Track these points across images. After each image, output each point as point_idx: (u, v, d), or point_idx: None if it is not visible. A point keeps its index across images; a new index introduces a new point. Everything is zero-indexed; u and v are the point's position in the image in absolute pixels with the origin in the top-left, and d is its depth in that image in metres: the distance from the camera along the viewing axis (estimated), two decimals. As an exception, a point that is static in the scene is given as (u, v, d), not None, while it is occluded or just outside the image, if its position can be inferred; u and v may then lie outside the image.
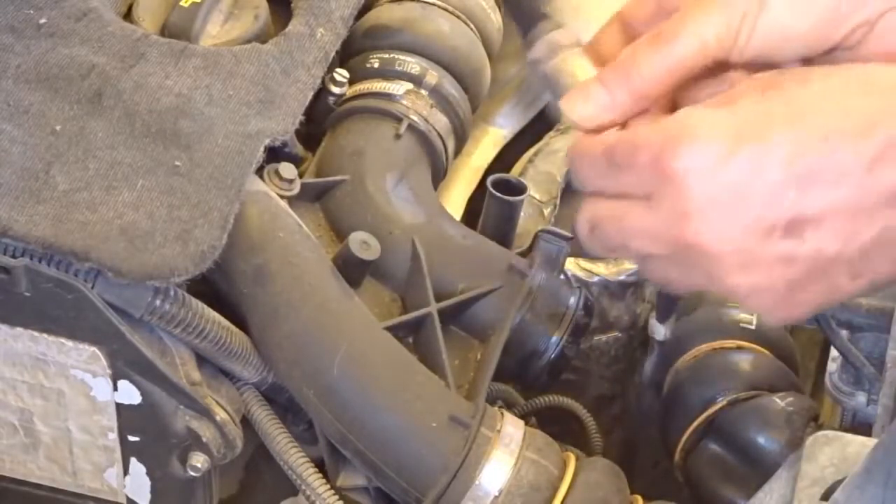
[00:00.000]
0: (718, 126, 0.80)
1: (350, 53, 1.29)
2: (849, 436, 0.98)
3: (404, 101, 1.24)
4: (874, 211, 0.78)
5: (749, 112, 0.80)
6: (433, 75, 1.26)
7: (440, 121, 1.26)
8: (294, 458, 1.08)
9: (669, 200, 0.82)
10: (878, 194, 0.78)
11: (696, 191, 0.80)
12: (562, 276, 1.19)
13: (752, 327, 1.25)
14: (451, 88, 1.28)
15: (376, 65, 1.26)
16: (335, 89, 1.24)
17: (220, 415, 1.07)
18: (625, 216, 0.85)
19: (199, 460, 1.07)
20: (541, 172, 1.42)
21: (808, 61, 0.89)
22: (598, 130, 0.90)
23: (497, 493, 1.01)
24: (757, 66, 0.90)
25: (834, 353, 1.16)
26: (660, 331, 1.23)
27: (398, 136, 1.22)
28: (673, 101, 0.96)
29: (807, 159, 0.78)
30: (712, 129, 0.80)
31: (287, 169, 1.14)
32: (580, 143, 0.89)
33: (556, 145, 1.46)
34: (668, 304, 1.23)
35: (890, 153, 0.77)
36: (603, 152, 0.86)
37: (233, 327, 1.07)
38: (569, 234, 1.14)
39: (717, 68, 0.91)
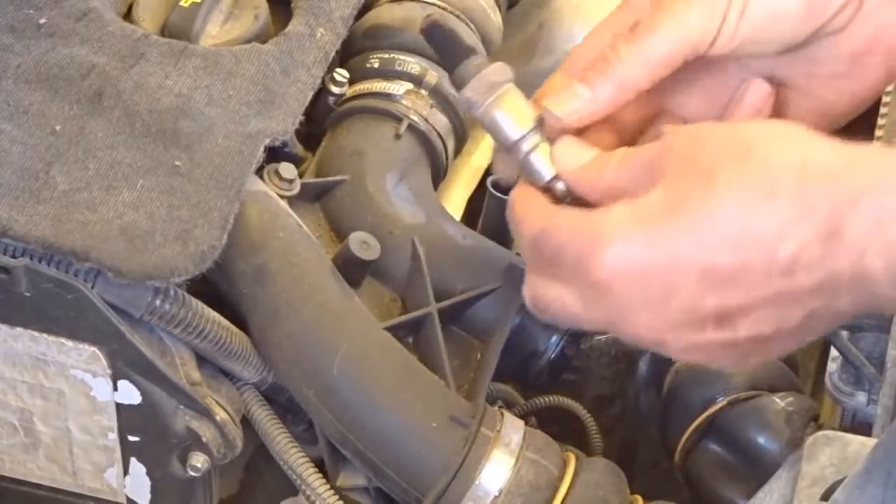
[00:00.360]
0: (633, 237, 0.81)
1: (350, 53, 1.29)
2: (849, 436, 0.98)
3: (404, 101, 1.24)
4: (797, 301, 0.79)
5: (659, 220, 0.80)
6: (433, 75, 1.26)
7: (440, 121, 1.26)
8: (294, 458, 1.08)
9: (600, 303, 0.83)
10: (797, 292, 0.78)
11: (622, 296, 0.81)
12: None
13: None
14: (451, 88, 1.28)
15: (376, 65, 1.26)
16: (335, 89, 1.24)
17: (220, 415, 1.07)
18: (564, 303, 0.86)
19: (199, 460, 1.07)
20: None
21: (789, 52, 0.89)
22: (580, 131, 0.90)
23: (497, 493, 1.01)
24: (742, 56, 0.90)
25: (834, 353, 1.16)
26: None
27: (398, 136, 1.22)
28: (659, 104, 0.96)
29: (719, 271, 0.79)
30: (627, 239, 0.81)
31: (287, 169, 1.14)
32: (517, 215, 0.89)
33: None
34: None
35: (803, 258, 0.77)
36: (534, 240, 0.86)
37: (233, 327, 1.07)
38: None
39: (705, 62, 0.91)
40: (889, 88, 1.25)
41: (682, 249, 0.79)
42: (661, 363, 1.28)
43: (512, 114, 0.91)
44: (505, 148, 0.92)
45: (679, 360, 0.86)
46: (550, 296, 0.86)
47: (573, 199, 0.89)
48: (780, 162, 0.78)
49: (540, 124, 0.91)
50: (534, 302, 0.89)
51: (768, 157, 0.79)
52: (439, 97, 1.26)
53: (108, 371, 1.05)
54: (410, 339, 1.12)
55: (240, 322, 1.08)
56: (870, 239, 0.75)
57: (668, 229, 0.80)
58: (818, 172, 0.77)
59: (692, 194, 0.79)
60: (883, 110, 1.29)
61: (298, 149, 1.21)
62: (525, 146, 0.91)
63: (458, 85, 0.93)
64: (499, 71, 0.92)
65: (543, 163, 0.91)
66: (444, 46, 0.94)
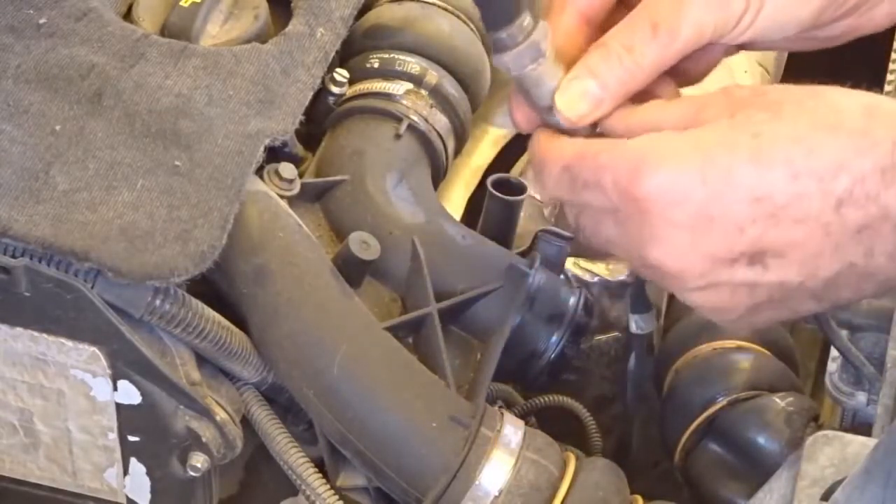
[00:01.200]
0: (685, 155, 0.80)
1: (350, 53, 1.29)
2: (849, 436, 0.98)
3: (404, 101, 1.24)
4: (838, 247, 0.79)
5: (717, 143, 0.80)
6: (433, 75, 1.26)
7: (440, 121, 1.26)
8: (294, 458, 1.08)
9: (634, 222, 0.82)
10: (842, 232, 0.78)
11: (660, 217, 0.81)
12: (562, 277, 1.19)
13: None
14: (451, 88, 1.28)
15: (376, 65, 1.26)
16: (335, 89, 1.24)
17: (220, 415, 1.07)
18: (600, 223, 0.85)
19: (199, 460, 1.07)
20: (541, 172, 1.42)
21: (800, 33, 0.89)
22: (571, 133, 0.90)
23: (497, 493, 1.01)
24: (750, 46, 0.89)
25: (834, 353, 1.16)
26: (634, 323, 1.23)
27: (398, 136, 1.22)
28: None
29: (773, 197, 0.78)
30: (679, 157, 0.80)
31: (287, 169, 1.14)
32: (541, 155, 0.89)
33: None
34: (639, 296, 1.22)
35: (856, 193, 0.77)
36: (565, 168, 0.86)
37: (233, 327, 1.07)
38: (569, 235, 1.14)
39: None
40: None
41: (738, 171, 0.79)
42: (661, 363, 1.28)
43: (550, 80, 0.90)
44: (542, 107, 0.91)
45: (688, 300, 0.84)
46: (590, 218, 0.86)
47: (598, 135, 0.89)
48: (848, 102, 0.80)
49: None
50: (575, 226, 0.88)
51: (836, 98, 0.80)
52: (439, 97, 1.26)
53: (108, 371, 1.05)
54: (410, 339, 1.12)
55: (240, 322, 1.08)
56: None
57: (726, 150, 0.79)
58: (883, 114, 0.78)
59: (756, 119, 0.80)
60: (890, 77, 1.30)
61: (298, 149, 1.21)
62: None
63: (500, 49, 0.90)
64: (541, 31, 0.89)
65: None
66: (488, 6, 0.89)
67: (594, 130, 0.90)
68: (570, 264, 1.28)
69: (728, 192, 0.79)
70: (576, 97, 0.89)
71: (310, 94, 1.18)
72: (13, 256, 1.01)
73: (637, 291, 1.23)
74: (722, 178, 0.79)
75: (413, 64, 1.26)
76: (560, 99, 0.90)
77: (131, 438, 1.09)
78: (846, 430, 1.04)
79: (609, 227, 0.85)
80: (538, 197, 0.92)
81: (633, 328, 1.23)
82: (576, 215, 0.89)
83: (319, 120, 1.24)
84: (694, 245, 0.81)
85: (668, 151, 0.81)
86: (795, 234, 0.79)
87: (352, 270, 1.10)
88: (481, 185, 1.42)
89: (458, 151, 1.33)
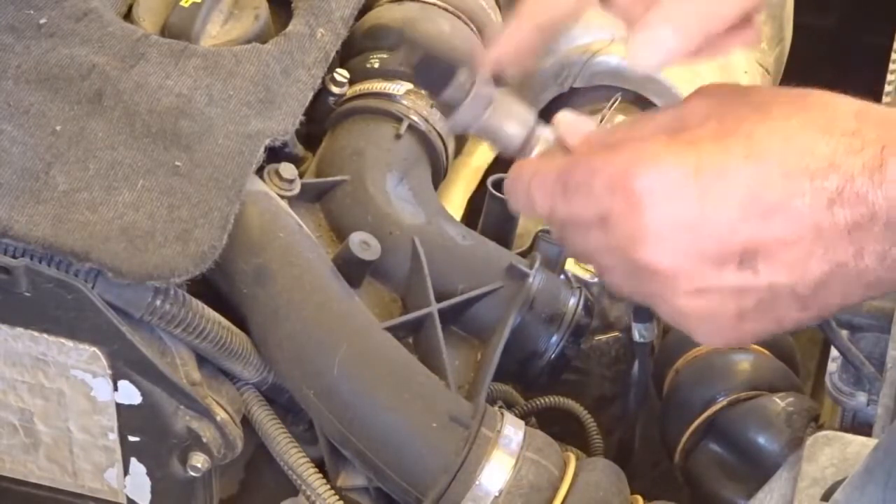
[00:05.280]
0: (679, 155, 0.80)
1: (350, 53, 1.29)
2: (849, 436, 0.98)
3: (404, 101, 1.24)
4: (829, 246, 0.79)
5: (710, 145, 0.80)
6: (433, 75, 1.26)
7: (440, 121, 1.26)
8: (294, 458, 1.08)
9: (625, 221, 0.82)
10: (833, 231, 0.78)
11: (652, 214, 0.81)
12: (562, 277, 1.19)
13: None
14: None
15: (376, 65, 1.26)
16: (335, 89, 1.24)
17: (221, 415, 1.07)
18: (588, 233, 0.85)
19: (199, 460, 1.07)
20: (541, 172, 1.42)
21: None
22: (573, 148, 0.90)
23: (497, 494, 1.01)
24: None
25: (834, 353, 1.16)
26: (637, 332, 1.23)
27: (398, 136, 1.22)
28: None
29: (766, 196, 0.79)
30: (673, 157, 0.80)
31: (287, 169, 1.14)
32: (532, 169, 0.88)
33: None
34: (642, 305, 1.22)
35: (846, 192, 0.77)
36: (559, 175, 0.86)
37: (233, 327, 1.07)
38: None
39: None
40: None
41: (732, 169, 0.79)
42: (661, 363, 1.28)
43: (510, 120, 0.91)
44: (512, 152, 0.92)
45: (677, 308, 0.83)
46: (576, 228, 0.86)
47: None
48: (839, 103, 0.80)
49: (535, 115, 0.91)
50: (559, 235, 0.88)
51: (826, 99, 0.80)
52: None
53: (109, 371, 1.05)
54: (410, 339, 1.12)
55: (240, 322, 1.08)
56: None
57: (720, 148, 0.79)
58: (874, 117, 0.79)
59: (748, 120, 0.80)
60: (890, 77, 1.30)
61: (298, 149, 1.21)
62: (533, 141, 0.91)
63: (448, 111, 0.90)
64: (483, 81, 0.90)
65: (554, 148, 0.90)
66: (430, 69, 0.90)
67: None
68: (570, 264, 1.28)
69: (722, 189, 0.79)
70: (644, 45, 0.87)
71: (310, 95, 1.18)
72: (14, 257, 1.01)
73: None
74: (716, 175, 0.79)
75: (413, 64, 1.26)
76: (630, 48, 0.88)
77: (132, 438, 1.09)
78: (846, 431, 1.04)
79: (597, 237, 0.85)
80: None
81: (637, 337, 1.23)
82: (561, 227, 0.89)
83: (320, 120, 1.24)
84: (686, 245, 0.81)
85: (661, 150, 0.81)
86: (787, 232, 0.79)
87: (352, 270, 1.11)
88: (481, 185, 1.42)
89: (458, 151, 1.33)
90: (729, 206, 0.79)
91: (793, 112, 0.80)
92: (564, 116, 0.91)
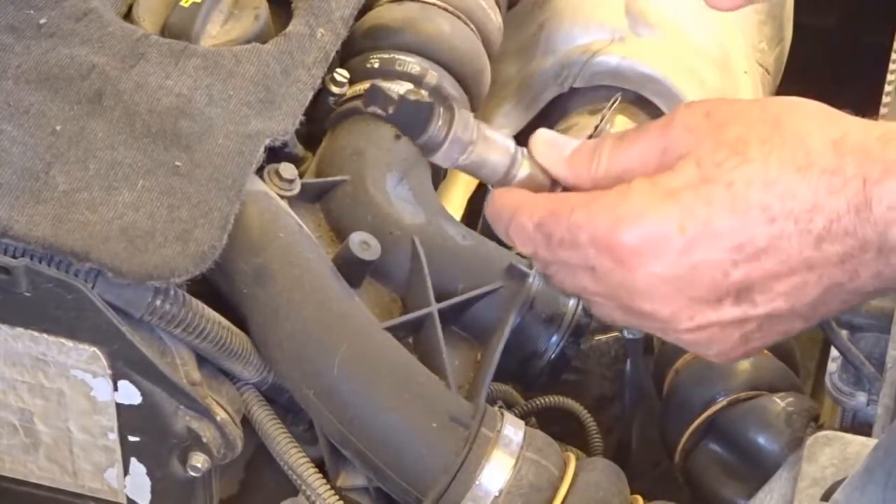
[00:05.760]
0: (662, 208, 0.81)
1: (350, 53, 1.29)
2: (849, 436, 0.98)
3: (404, 102, 1.24)
4: (823, 273, 0.79)
5: (691, 197, 0.80)
6: (433, 75, 1.26)
7: (440, 121, 1.26)
8: (294, 458, 1.08)
9: (616, 277, 0.83)
10: (825, 264, 0.79)
11: (642, 272, 0.81)
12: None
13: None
14: (451, 88, 1.28)
15: (376, 65, 1.26)
16: (335, 89, 1.24)
17: (221, 415, 1.07)
18: (576, 276, 0.86)
19: (199, 460, 1.07)
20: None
21: None
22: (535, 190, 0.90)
23: (497, 494, 1.01)
24: None
25: (834, 353, 1.16)
26: (626, 329, 1.23)
27: (398, 137, 1.22)
28: None
29: (753, 241, 0.79)
30: (656, 210, 0.81)
31: (287, 169, 1.14)
32: (510, 209, 0.88)
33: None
34: None
35: (834, 230, 0.78)
36: (538, 226, 0.86)
37: (233, 327, 1.07)
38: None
39: None
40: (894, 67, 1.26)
41: (716, 221, 0.79)
42: (661, 363, 1.28)
43: (491, 153, 0.91)
44: (496, 182, 0.92)
45: (680, 342, 0.84)
46: (563, 268, 0.86)
47: (564, 189, 0.90)
48: (814, 136, 0.79)
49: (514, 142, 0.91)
50: (545, 274, 0.89)
51: (801, 130, 0.80)
52: (439, 97, 1.26)
53: (109, 371, 1.05)
54: (410, 339, 1.12)
55: (240, 322, 1.08)
56: None
57: (703, 202, 0.80)
58: (851, 148, 0.78)
59: (727, 165, 0.80)
60: (890, 77, 1.30)
61: (298, 149, 1.21)
62: (514, 170, 0.91)
63: (428, 152, 0.91)
64: (462, 123, 0.91)
65: (535, 171, 0.91)
66: (406, 119, 0.91)
67: (557, 187, 0.91)
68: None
69: (708, 240, 0.80)
70: None
71: (310, 95, 1.18)
72: (14, 257, 1.01)
73: None
74: (701, 228, 0.80)
75: (413, 64, 1.26)
76: None
77: (132, 438, 1.09)
78: (846, 431, 1.04)
79: (586, 280, 0.86)
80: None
81: (626, 333, 1.24)
82: (545, 267, 0.89)
83: (320, 120, 1.24)
84: (681, 292, 0.81)
85: (643, 205, 0.81)
86: (779, 268, 0.80)
87: (352, 270, 1.11)
88: (481, 185, 1.42)
89: (458, 151, 1.33)
90: (718, 255, 0.80)
91: (769, 150, 0.80)
92: (541, 136, 0.91)
